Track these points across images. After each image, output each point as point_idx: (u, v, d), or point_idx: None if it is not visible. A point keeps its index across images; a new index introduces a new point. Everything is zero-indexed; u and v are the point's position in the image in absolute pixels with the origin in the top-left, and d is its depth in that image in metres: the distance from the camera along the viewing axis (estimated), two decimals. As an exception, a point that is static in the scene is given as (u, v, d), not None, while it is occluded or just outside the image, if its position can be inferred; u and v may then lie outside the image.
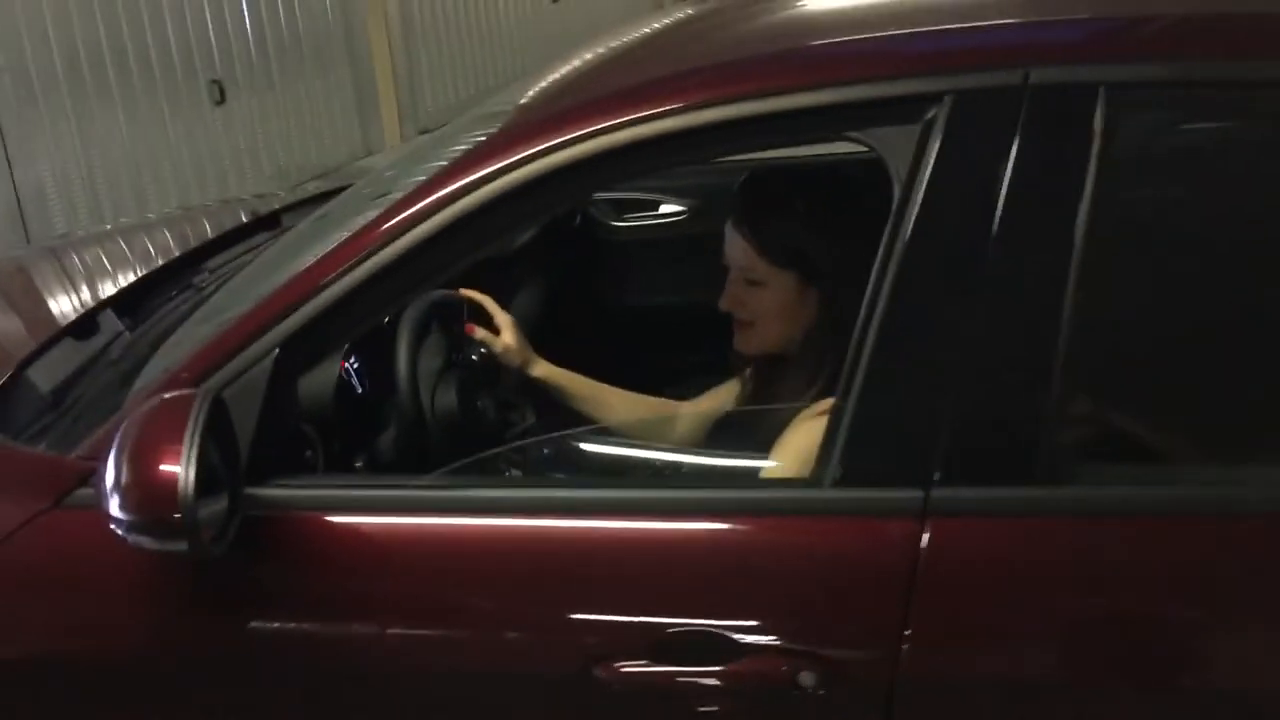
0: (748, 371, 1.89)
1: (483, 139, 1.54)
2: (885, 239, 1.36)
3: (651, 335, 2.70)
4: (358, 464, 1.87)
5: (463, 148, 1.55)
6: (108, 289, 2.26)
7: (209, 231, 2.54)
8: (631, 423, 2.01)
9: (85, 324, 2.09)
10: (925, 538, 1.33)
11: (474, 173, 1.45)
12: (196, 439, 1.35)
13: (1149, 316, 1.38)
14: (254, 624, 1.48)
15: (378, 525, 1.47)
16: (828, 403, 1.53)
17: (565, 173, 1.43)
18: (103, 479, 1.39)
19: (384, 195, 1.68)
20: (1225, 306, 1.37)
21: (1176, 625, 1.36)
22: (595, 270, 2.88)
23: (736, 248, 1.70)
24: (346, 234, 1.53)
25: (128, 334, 2.06)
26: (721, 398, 2.00)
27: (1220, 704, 1.33)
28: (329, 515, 1.47)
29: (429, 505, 1.49)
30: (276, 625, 1.48)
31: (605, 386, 2.02)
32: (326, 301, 1.48)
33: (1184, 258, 1.38)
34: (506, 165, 1.44)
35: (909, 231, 1.34)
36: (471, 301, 2.05)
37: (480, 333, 1.97)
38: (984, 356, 1.34)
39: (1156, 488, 1.35)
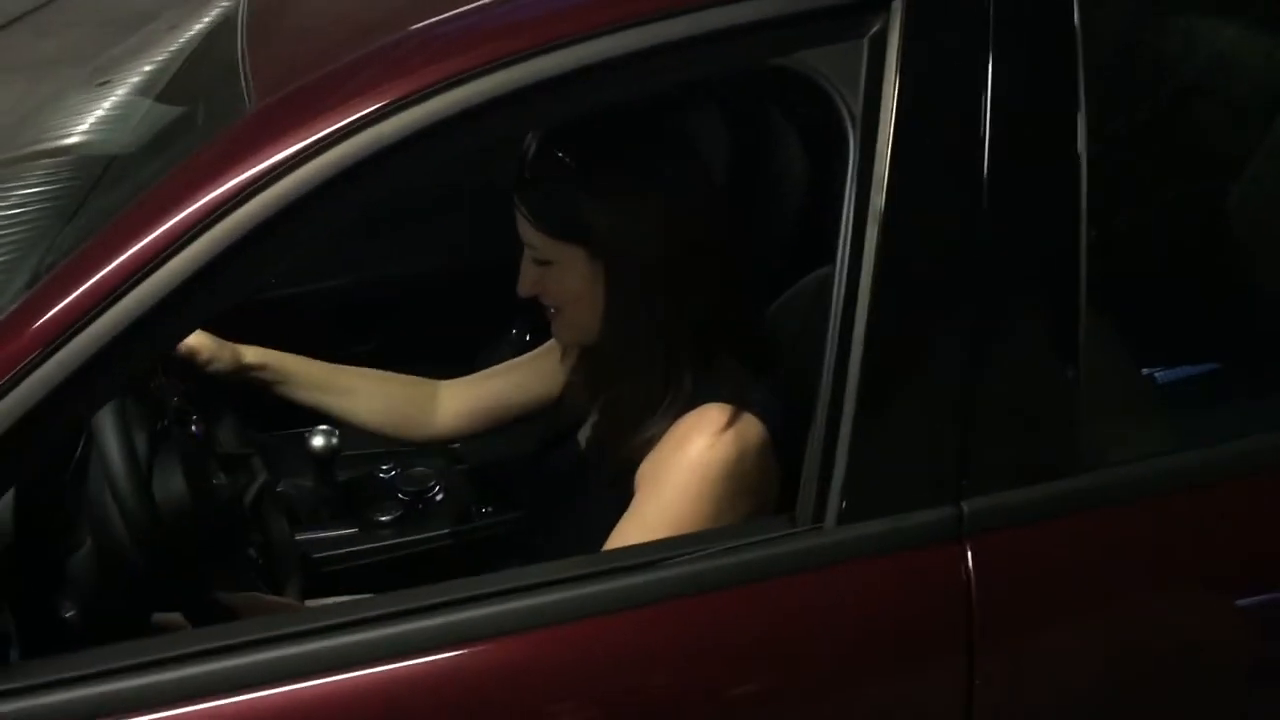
0: (570, 365, 1.61)
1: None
2: (851, 203, 1.08)
3: (303, 327, 2.18)
4: (67, 614, 1.33)
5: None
6: None
7: None
8: (383, 410, 1.74)
9: None
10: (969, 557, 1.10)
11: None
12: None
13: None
14: None
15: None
16: (704, 420, 1.28)
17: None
18: None
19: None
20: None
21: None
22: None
23: (520, 223, 1.40)
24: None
25: None
26: (499, 380, 1.76)
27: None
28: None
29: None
30: None
31: (340, 367, 1.76)
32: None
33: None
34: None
35: (884, 194, 1.07)
36: None
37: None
38: (1000, 337, 1.11)
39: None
